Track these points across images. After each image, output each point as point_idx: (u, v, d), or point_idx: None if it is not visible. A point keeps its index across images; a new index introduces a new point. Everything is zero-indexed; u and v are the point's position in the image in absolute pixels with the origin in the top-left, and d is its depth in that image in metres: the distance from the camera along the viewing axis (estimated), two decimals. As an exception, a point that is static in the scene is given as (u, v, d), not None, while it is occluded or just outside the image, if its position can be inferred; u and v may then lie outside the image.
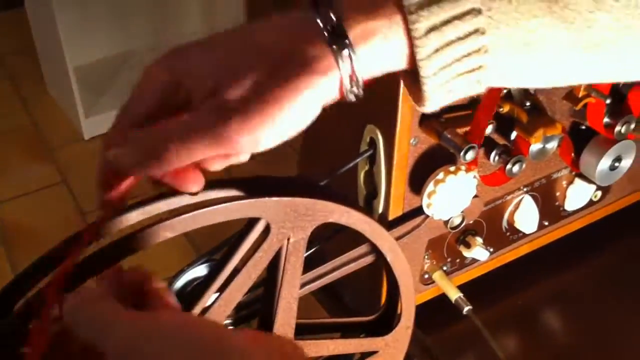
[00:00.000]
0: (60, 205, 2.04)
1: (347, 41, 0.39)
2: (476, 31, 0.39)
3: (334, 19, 0.39)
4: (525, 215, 0.77)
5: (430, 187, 0.65)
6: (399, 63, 0.40)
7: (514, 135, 0.67)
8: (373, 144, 0.67)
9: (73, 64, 2.12)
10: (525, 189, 0.76)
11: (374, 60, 0.40)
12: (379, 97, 0.64)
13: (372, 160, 0.69)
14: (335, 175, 0.68)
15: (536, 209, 0.77)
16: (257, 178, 0.52)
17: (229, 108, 0.39)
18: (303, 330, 0.59)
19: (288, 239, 0.50)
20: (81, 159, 2.20)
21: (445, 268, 0.76)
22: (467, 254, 0.75)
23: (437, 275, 0.75)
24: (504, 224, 0.78)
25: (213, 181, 0.49)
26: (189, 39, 0.45)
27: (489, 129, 0.65)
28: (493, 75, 0.41)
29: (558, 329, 0.81)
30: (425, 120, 0.65)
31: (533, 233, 0.80)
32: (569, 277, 0.84)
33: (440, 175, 0.65)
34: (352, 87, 0.40)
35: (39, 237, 1.93)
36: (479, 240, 0.75)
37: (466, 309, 0.73)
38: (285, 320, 0.54)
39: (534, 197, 0.77)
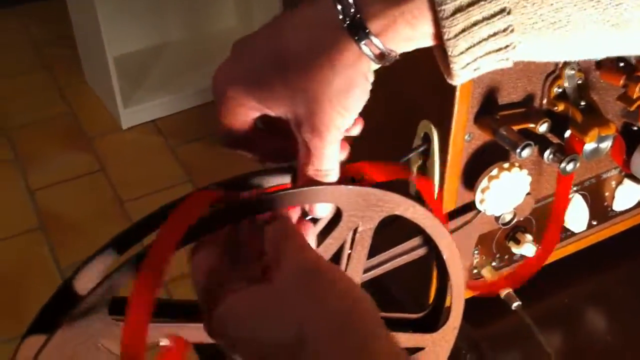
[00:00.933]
0: (98, 193, 2.08)
1: (367, 31, 0.42)
2: (502, 11, 0.40)
3: (353, 11, 0.42)
4: (575, 214, 0.77)
5: (484, 182, 0.66)
6: (427, 42, 0.43)
7: (567, 134, 0.68)
8: (427, 139, 0.68)
9: (112, 55, 2.15)
10: (575, 188, 0.77)
11: (400, 42, 0.43)
12: (434, 93, 0.64)
13: (426, 155, 0.69)
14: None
15: (586, 208, 0.78)
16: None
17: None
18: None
19: (356, 229, 0.51)
20: (119, 149, 2.24)
21: (494, 264, 0.77)
22: (516, 250, 0.75)
23: (486, 271, 0.76)
24: (553, 221, 0.78)
25: (287, 167, 0.50)
26: (224, 31, 0.48)
27: (543, 128, 0.65)
28: (519, 53, 0.42)
29: (603, 328, 0.81)
30: (481, 117, 0.65)
31: (581, 232, 0.80)
32: (615, 277, 0.84)
33: (495, 172, 0.65)
34: (383, 63, 0.44)
35: (77, 224, 1.96)
36: (529, 237, 0.75)
37: (515, 304, 0.73)
38: None
39: (583, 196, 0.77)
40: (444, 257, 0.59)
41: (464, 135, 0.66)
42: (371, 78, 0.45)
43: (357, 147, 0.84)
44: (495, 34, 0.41)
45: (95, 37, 2.15)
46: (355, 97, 0.45)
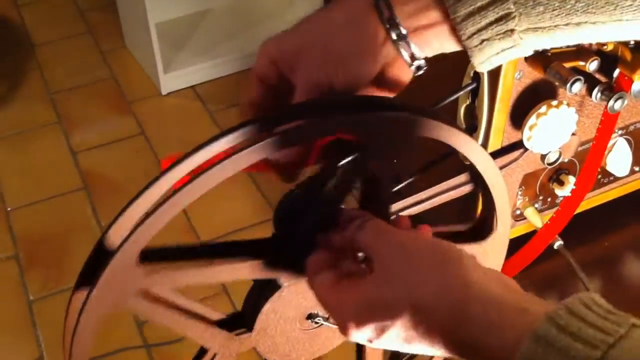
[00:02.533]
0: (138, 155, 2.12)
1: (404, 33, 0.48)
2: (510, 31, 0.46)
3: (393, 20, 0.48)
4: (618, 158, 0.79)
5: (532, 119, 0.67)
6: (452, 48, 0.50)
7: (616, 73, 0.69)
8: (476, 77, 0.70)
9: (154, 21, 2.18)
10: (620, 132, 0.78)
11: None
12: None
13: (474, 94, 0.71)
14: (437, 108, 0.71)
15: (630, 153, 0.79)
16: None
17: None
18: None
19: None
20: (159, 113, 2.27)
21: (536, 206, 0.79)
22: (560, 192, 0.77)
23: (530, 212, 0.78)
24: (597, 166, 0.79)
25: (220, 134, 0.49)
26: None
27: (593, 66, 0.67)
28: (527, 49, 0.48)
29: (641, 273, 0.83)
30: (531, 55, 0.67)
31: (624, 177, 0.82)
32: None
33: (543, 109, 0.67)
34: (413, 64, 0.50)
35: (118, 185, 2.01)
36: (572, 179, 0.77)
37: (557, 244, 0.75)
38: None
39: (627, 140, 0.79)
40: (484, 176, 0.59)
41: (514, 73, 0.67)
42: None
43: (407, 88, 0.85)
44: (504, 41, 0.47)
45: (138, 4, 2.18)
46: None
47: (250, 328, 0.58)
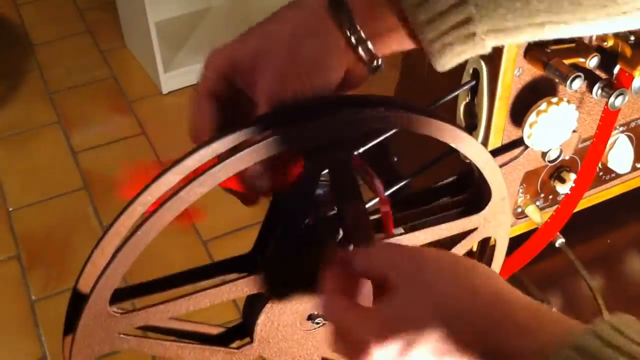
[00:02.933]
0: (139, 155, 2.11)
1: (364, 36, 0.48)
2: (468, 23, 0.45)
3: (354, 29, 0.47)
4: (620, 155, 0.78)
5: (532, 117, 0.67)
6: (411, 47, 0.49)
7: (616, 69, 0.68)
8: (476, 75, 0.69)
9: (154, 19, 2.18)
10: (621, 129, 0.77)
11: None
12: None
13: (474, 91, 0.71)
14: (436, 107, 0.71)
15: (631, 149, 0.78)
16: (282, 108, 0.51)
17: None
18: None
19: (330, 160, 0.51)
20: (159, 112, 2.27)
21: (538, 203, 0.78)
22: (561, 189, 0.77)
23: (531, 209, 0.77)
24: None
25: (238, 125, 0.49)
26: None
27: (593, 62, 0.66)
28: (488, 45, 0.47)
29: (644, 270, 0.82)
30: (531, 51, 0.66)
31: (625, 174, 0.81)
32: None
33: (543, 106, 0.66)
34: (372, 65, 0.49)
35: (119, 185, 2.00)
36: (574, 176, 0.76)
37: (559, 241, 0.75)
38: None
39: (629, 137, 0.78)
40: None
41: (514, 69, 0.67)
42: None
43: (405, 86, 0.85)
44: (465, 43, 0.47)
45: (137, 3, 2.18)
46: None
47: (251, 339, 0.57)
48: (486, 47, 0.47)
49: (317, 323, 0.59)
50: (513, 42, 0.46)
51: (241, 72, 0.49)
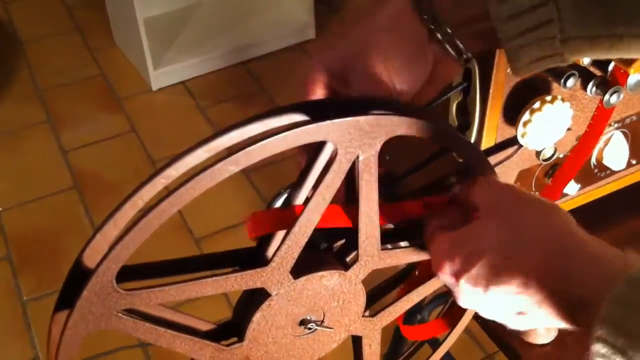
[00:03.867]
0: (130, 153, 2.10)
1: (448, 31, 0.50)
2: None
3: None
4: (615, 152, 0.77)
5: (526, 116, 0.66)
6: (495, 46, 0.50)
7: (611, 66, 0.68)
8: (468, 74, 0.68)
9: (142, 16, 2.16)
10: (616, 125, 0.76)
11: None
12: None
13: (466, 90, 0.70)
14: (429, 108, 0.70)
15: (626, 146, 0.77)
16: (317, 102, 0.52)
17: None
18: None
19: (357, 158, 0.50)
20: (150, 110, 2.26)
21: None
22: (556, 187, 0.76)
23: (525, 208, 0.76)
24: (593, 160, 0.78)
25: (274, 109, 0.49)
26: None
27: (587, 60, 0.65)
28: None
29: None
30: (524, 50, 0.65)
31: (621, 171, 0.80)
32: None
33: (537, 104, 0.65)
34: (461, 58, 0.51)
35: (110, 184, 1.99)
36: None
37: (554, 241, 0.74)
38: (369, 233, 0.55)
39: (624, 133, 0.77)
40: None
41: (506, 68, 0.66)
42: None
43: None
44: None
45: (126, 0, 2.16)
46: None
47: (241, 338, 0.56)
48: (564, 58, 0.47)
49: (309, 329, 0.58)
50: (592, 55, 0.47)
51: (338, 76, 0.52)
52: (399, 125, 0.51)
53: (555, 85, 0.69)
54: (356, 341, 0.62)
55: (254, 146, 0.46)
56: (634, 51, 0.45)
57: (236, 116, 2.20)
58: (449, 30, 0.49)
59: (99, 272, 0.47)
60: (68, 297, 0.49)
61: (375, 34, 0.50)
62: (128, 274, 0.51)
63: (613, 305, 0.39)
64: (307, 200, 0.52)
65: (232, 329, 0.58)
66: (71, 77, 2.38)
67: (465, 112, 0.71)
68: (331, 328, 0.59)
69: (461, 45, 0.50)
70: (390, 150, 0.79)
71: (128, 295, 0.49)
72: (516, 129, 0.67)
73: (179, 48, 2.35)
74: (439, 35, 0.49)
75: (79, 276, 0.48)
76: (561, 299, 0.44)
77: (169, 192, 0.46)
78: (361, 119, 0.49)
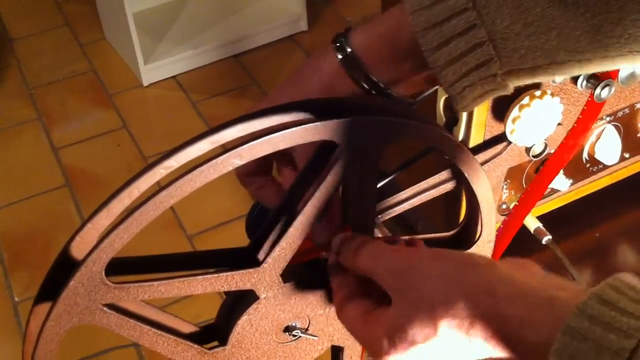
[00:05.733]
0: (122, 149, 2.08)
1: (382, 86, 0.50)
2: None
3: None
4: (607, 146, 0.76)
5: (514, 112, 0.64)
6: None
7: (602, 59, 0.66)
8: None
9: (132, 10, 2.13)
10: (608, 119, 0.75)
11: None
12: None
13: (454, 86, 0.68)
14: (415, 103, 0.68)
15: (619, 140, 0.76)
16: (326, 100, 0.51)
17: None
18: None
19: (361, 159, 0.49)
20: (141, 105, 2.23)
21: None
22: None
23: (516, 205, 0.74)
24: (585, 154, 0.76)
25: (281, 105, 0.48)
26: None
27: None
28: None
29: (635, 262, 0.80)
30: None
31: (613, 165, 0.78)
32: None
33: (526, 100, 0.64)
34: None
35: (102, 180, 1.97)
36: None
37: (545, 238, 0.72)
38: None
39: (616, 127, 0.75)
40: (465, 173, 0.56)
41: (494, 63, 0.64)
42: None
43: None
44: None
45: (114, -7, 2.14)
46: None
47: (224, 341, 0.55)
48: (508, 88, 0.46)
49: (294, 336, 0.57)
50: (535, 81, 0.46)
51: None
52: (406, 131, 0.50)
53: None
54: (336, 352, 0.61)
55: (259, 140, 0.45)
56: (576, 72, 0.45)
57: (229, 110, 2.18)
58: (383, 86, 0.49)
59: (89, 262, 0.45)
60: (51, 289, 0.47)
61: (312, 96, 0.50)
62: (116, 267, 0.49)
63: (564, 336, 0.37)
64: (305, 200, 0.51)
65: (215, 333, 0.57)
66: (61, 74, 2.36)
67: (453, 108, 0.69)
68: (316, 336, 0.58)
69: (396, 95, 0.50)
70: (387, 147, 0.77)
71: (116, 289, 0.47)
72: (505, 126, 0.65)
73: (170, 42, 2.33)
74: (373, 92, 0.49)
75: (65, 267, 0.46)
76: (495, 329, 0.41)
77: (168, 182, 0.45)
78: (370, 119, 0.48)
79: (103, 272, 0.46)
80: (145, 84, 2.27)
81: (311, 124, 0.46)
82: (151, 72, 2.26)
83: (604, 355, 0.35)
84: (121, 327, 0.50)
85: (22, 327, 1.64)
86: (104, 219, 0.46)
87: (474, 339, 0.41)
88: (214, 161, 0.44)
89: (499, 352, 0.41)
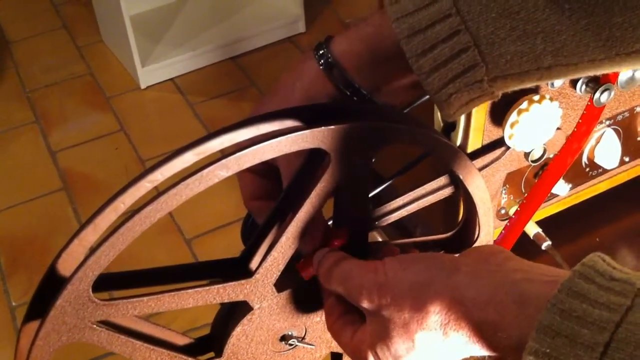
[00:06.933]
0: (119, 152, 2.07)
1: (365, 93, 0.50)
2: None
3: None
4: (606, 150, 0.75)
5: (513, 116, 0.63)
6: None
7: (601, 63, 0.65)
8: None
9: (129, 13, 2.13)
10: (607, 123, 0.74)
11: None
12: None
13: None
14: (412, 107, 0.67)
15: (618, 144, 0.75)
16: (312, 107, 0.50)
17: None
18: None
19: (351, 166, 0.48)
20: (138, 108, 2.23)
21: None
22: (547, 188, 0.73)
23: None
24: (584, 159, 0.76)
25: (268, 114, 0.47)
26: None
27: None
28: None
29: (634, 266, 0.79)
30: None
31: (613, 169, 0.78)
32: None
33: (524, 105, 0.63)
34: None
35: (100, 184, 1.97)
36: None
37: (545, 244, 0.71)
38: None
39: (616, 131, 0.75)
40: (459, 175, 0.55)
41: (492, 67, 0.63)
42: None
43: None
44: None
45: (111, -4, 2.13)
46: None
47: (219, 353, 0.54)
48: (495, 95, 0.45)
49: (290, 345, 0.56)
50: (522, 87, 0.45)
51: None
52: (397, 134, 0.49)
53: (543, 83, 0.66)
54: (336, 359, 0.60)
55: (245, 151, 0.45)
56: (563, 77, 0.44)
57: (227, 112, 2.18)
58: (365, 92, 0.48)
59: (75, 280, 0.44)
60: (39, 307, 0.46)
61: (294, 104, 0.49)
62: (105, 283, 0.49)
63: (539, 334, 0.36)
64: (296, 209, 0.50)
65: (210, 343, 0.56)
66: (59, 76, 2.35)
67: (450, 113, 0.69)
68: (312, 345, 0.57)
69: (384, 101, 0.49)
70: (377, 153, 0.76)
71: (104, 306, 0.47)
72: (503, 130, 0.65)
73: (167, 44, 2.32)
74: (355, 99, 0.49)
75: (52, 284, 0.46)
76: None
77: (154, 196, 0.44)
78: (357, 125, 0.47)
79: (90, 290, 0.45)
80: (142, 86, 2.26)
81: (298, 133, 0.45)
82: (149, 75, 2.25)
83: (578, 350, 0.35)
84: (112, 343, 0.49)
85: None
86: (91, 234, 0.45)
87: (454, 342, 0.42)
88: (199, 174, 0.44)
89: (483, 351, 0.41)
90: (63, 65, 2.39)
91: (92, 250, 0.44)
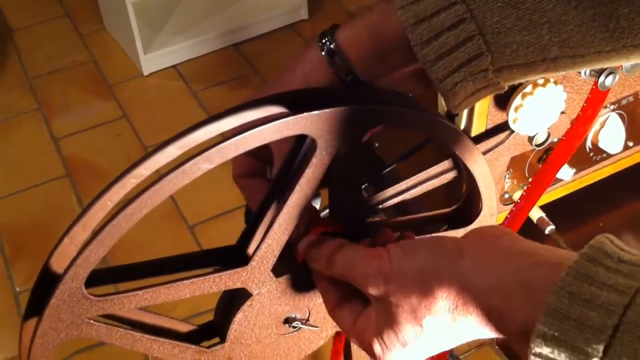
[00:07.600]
0: (122, 139, 2.07)
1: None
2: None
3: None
4: (611, 135, 0.75)
5: (517, 100, 0.63)
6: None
7: (606, 47, 0.65)
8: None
9: (132, 0, 2.12)
10: (612, 107, 0.74)
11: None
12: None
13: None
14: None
15: (622, 128, 0.75)
16: (295, 92, 0.50)
17: None
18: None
19: (339, 150, 0.48)
20: (141, 95, 2.22)
21: (526, 188, 0.75)
22: (550, 173, 0.73)
23: (519, 196, 0.74)
24: (588, 143, 0.75)
25: (250, 102, 0.47)
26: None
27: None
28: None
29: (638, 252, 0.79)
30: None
31: (617, 154, 0.78)
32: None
33: (529, 88, 0.63)
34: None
35: (103, 171, 1.97)
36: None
37: (549, 228, 0.71)
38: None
39: (620, 115, 0.75)
40: (456, 151, 0.54)
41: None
42: None
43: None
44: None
45: (114, -18, 2.12)
46: None
47: (223, 338, 0.54)
48: (501, 86, 0.45)
49: (294, 327, 0.56)
50: (527, 78, 0.45)
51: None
52: (384, 116, 0.48)
53: (547, 67, 0.66)
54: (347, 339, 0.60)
55: (227, 142, 0.44)
56: (570, 69, 0.44)
57: (230, 99, 2.17)
58: (365, 81, 0.48)
59: (67, 279, 0.45)
60: (37, 305, 0.47)
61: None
62: (100, 277, 0.49)
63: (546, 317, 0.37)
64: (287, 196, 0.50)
65: (214, 329, 0.56)
66: (61, 64, 2.35)
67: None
68: (316, 327, 0.57)
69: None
70: (380, 138, 0.77)
71: (99, 302, 0.47)
72: (507, 114, 0.65)
73: (170, 31, 2.32)
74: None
75: (48, 282, 0.46)
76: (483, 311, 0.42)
77: (137, 193, 0.44)
78: (342, 109, 0.46)
79: (83, 287, 0.45)
80: (145, 73, 2.26)
81: (281, 120, 0.45)
82: (151, 62, 2.25)
83: (586, 333, 0.35)
84: (112, 337, 0.49)
85: (23, 317, 1.64)
86: (81, 232, 0.45)
87: (462, 327, 0.42)
88: (181, 168, 0.43)
89: (491, 334, 0.42)
90: (66, 52, 2.39)
91: (81, 249, 0.44)
